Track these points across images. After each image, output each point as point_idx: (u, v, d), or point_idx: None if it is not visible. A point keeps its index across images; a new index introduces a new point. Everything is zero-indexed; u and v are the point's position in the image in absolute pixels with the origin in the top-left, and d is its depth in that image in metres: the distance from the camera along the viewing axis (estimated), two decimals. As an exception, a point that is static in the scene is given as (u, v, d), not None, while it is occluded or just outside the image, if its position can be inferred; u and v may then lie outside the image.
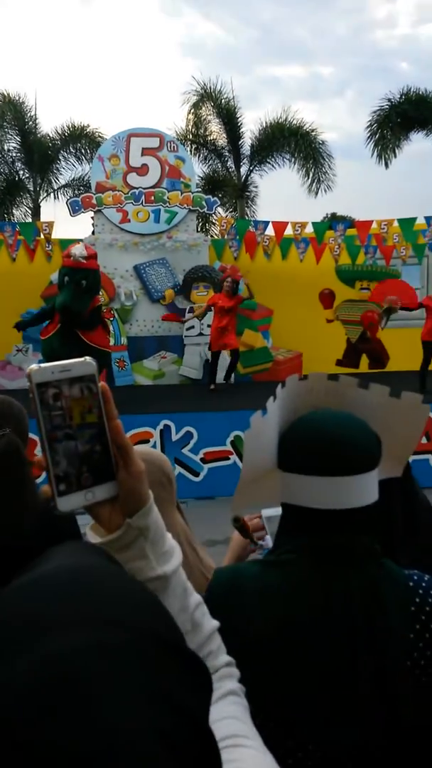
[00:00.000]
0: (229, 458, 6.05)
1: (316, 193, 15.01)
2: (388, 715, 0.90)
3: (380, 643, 0.91)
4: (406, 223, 10.01)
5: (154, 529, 0.73)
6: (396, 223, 10.08)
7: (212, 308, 8.24)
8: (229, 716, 0.71)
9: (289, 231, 10.10)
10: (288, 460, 0.98)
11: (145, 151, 9.62)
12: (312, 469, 0.94)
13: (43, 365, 0.65)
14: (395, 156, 15.14)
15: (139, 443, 5.96)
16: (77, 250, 6.56)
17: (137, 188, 9.53)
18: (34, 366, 0.64)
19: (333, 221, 12.31)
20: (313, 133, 14.71)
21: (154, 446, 6.01)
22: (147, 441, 6.00)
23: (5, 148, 15.58)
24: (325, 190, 15.05)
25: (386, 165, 15.11)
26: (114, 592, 0.43)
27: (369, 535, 0.97)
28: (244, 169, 15.84)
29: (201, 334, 9.40)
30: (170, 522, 1.35)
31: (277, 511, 1.25)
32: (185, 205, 9.70)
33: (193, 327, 9.42)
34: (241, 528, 1.48)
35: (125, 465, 0.71)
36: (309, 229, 10.17)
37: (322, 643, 0.91)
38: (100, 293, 7.48)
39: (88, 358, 0.69)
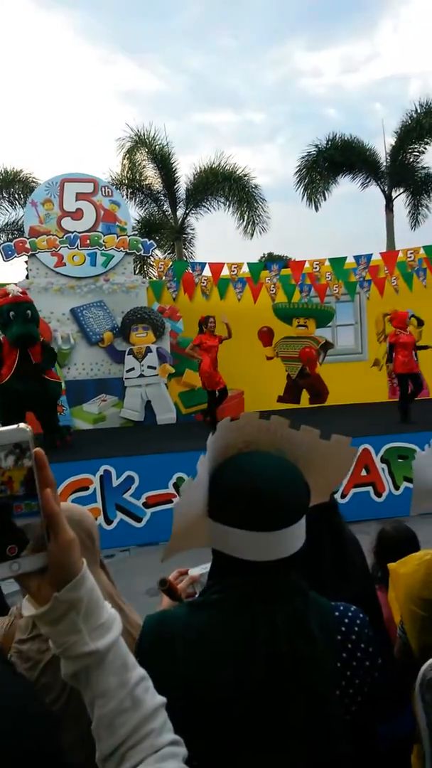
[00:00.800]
0: (172, 501, 5.92)
1: (252, 235, 15.43)
2: (319, 746, 0.90)
3: (308, 674, 0.91)
4: (337, 263, 10.40)
5: (87, 601, 0.70)
6: (327, 263, 10.46)
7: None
8: None
9: (225, 272, 10.30)
10: (215, 509, 0.98)
11: (79, 196, 9.66)
12: (237, 522, 0.93)
13: None
14: (324, 198, 15.85)
15: (77, 491, 5.76)
16: (12, 287, 7.08)
17: (72, 232, 9.52)
18: None
19: (268, 261, 12.66)
20: (246, 177, 15.22)
21: (93, 493, 5.82)
22: (86, 488, 5.80)
23: None
24: (260, 232, 15.50)
25: (316, 207, 15.78)
26: None
27: (293, 570, 0.97)
28: (180, 212, 16.17)
29: (142, 375, 9.33)
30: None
31: (205, 568, 1.22)
32: (122, 248, 9.75)
33: (133, 368, 9.34)
34: (168, 591, 1.42)
35: (54, 535, 0.68)
36: (245, 269, 10.41)
37: (250, 679, 0.90)
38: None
39: (22, 424, 0.67)
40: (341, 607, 1.03)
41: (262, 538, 0.92)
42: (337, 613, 1.02)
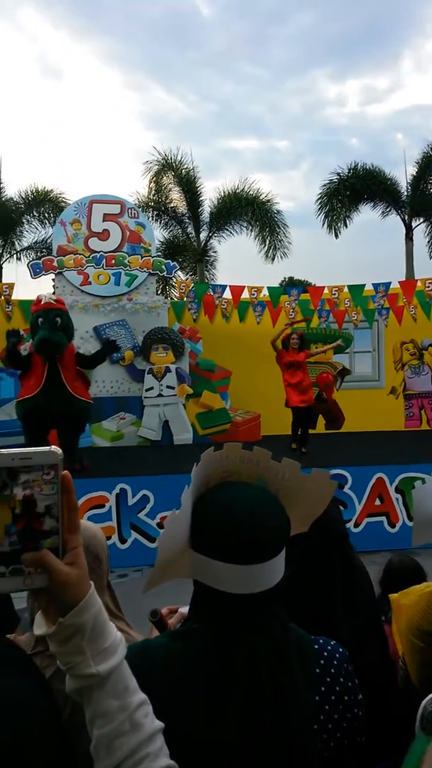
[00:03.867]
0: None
1: (273, 259, 15.62)
2: None
3: (286, 704, 0.91)
4: (356, 290, 10.50)
5: (92, 625, 0.72)
6: (346, 289, 10.56)
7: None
8: None
9: (246, 294, 10.45)
10: (196, 540, 0.98)
11: (106, 217, 9.91)
12: (217, 555, 0.94)
13: (2, 451, 0.66)
14: (345, 226, 16.01)
15: (93, 508, 5.85)
16: (46, 294, 6.66)
17: (98, 252, 9.75)
18: None
19: (288, 286, 12.79)
20: (269, 203, 15.46)
21: (109, 511, 5.91)
22: (102, 506, 5.90)
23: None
24: (281, 257, 15.68)
25: (336, 235, 15.93)
26: None
27: (274, 602, 0.97)
28: (203, 235, 16.42)
29: (160, 395, 9.45)
30: None
31: None
32: (145, 269, 9.95)
33: (152, 388, 9.47)
34: (158, 623, 1.44)
35: (67, 561, 0.71)
36: (265, 293, 10.55)
37: (227, 707, 0.90)
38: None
39: (53, 447, 0.69)
40: (321, 641, 1.03)
41: (242, 571, 0.93)
42: (316, 646, 1.01)
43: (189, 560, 0.99)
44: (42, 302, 6.45)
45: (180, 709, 0.90)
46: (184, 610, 1.48)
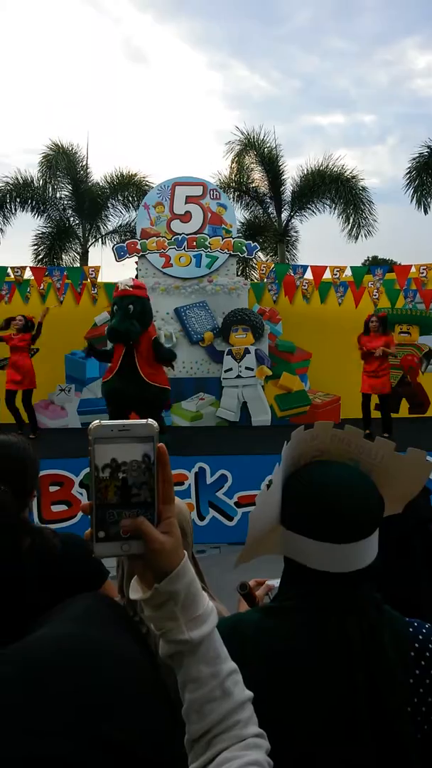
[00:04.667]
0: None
1: (356, 238, 15.15)
2: (388, 763, 0.88)
3: (380, 688, 0.90)
4: (447, 268, 9.97)
5: (185, 593, 0.74)
6: (436, 268, 10.05)
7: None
8: None
9: (327, 275, 10.21)
10: (288, 519, 0.99)
11: (188, 199, 9.98)
12: (311, 533, 0.94)
13: (104, 422, 0.69)
14: (436, 201, 15.20)
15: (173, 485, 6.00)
16: (125, 279, 6.78)
17: (180, 234, 9.86)
18: (95, 422, 0.69)
19: (372, 266, 12.36)
20: (354, 180, 14.95)
21: (188, 489, 6.04)
22: (182, 483, 6.04)
23: (58, 196, 16.40)
24: (366, 235, 15.17)
25: (425, 210, 15.17)
26: (83, 693, 0.43)
27: (368, 582, 0.96)
28: (284, 215, 16.18)
29: (239, 376, 9.49)
30: None
31: None
32: (226, 250, 9.95)
33: (231, 369, 9.52)
34: (247, 595, 1.45)
35: (162, 530, 0.74)
36: (348, 273, 10.25)
37: (319, 688, 0.90)
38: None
39: (150, 420, 0.71)
40: (416, 623, 1.00)
41: (334, 550, 0.92)
42: (411, 629, 0.98)
43: (280, 538, 1.00)
44: (120, 288, 6.54)
45: (271, 686, 0.90)
46: (271, 582, 1.51)
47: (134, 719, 0.70)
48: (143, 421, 0.70)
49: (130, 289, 6.55)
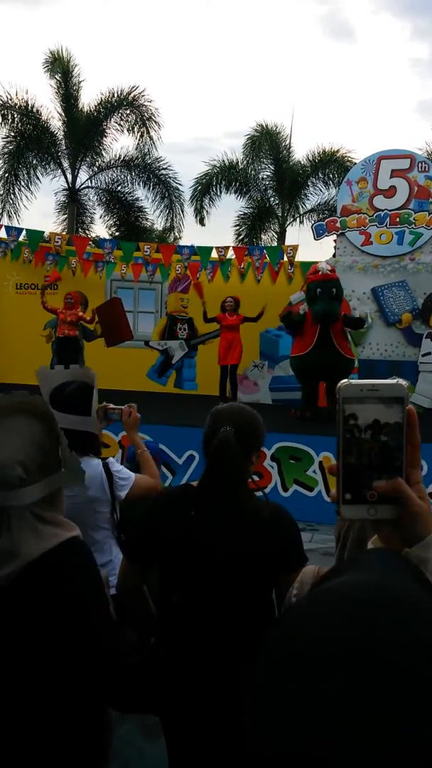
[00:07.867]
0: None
1: None
2: None
3: None
4: None
5: None
6: None
7: None
8: None
9: None
10: None
11: (394, 173, 9.53)
12: None
13: (353, 381, 0.67)
14: None
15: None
16: (323, 264, 7.49)
17: (383, 210, 9.47)
18: (344, 381, 0.67)
19: None
20: None
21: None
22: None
23: (260, 177, 16.80)
24: None
25: None
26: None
27: None
28: None
29: (438, 361, 8.91)
30: None
31: None
32: (431, 227, 9.33)
33: (430, 353, 8.98)
34: None
35: (416, 493, 0.70)
36: None
37: None
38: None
39: (400, 380, 0.70)
40: None
41: None
42: None
43: None
44: (319, 273, 7.24)
45: None
46: None
47: None
48: (393, 381, 0.68)
49: (330, 273, 7.33)
